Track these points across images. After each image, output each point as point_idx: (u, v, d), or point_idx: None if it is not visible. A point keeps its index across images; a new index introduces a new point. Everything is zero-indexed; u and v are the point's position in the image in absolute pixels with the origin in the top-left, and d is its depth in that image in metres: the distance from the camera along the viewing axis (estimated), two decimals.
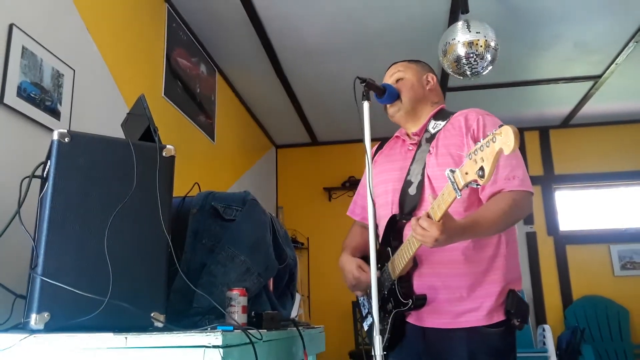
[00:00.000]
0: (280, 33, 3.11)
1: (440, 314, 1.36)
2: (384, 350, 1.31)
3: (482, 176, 1.00)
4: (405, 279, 1.38)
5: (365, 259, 1.53)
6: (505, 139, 0.95)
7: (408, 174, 1.46)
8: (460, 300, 1.34)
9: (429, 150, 1.44)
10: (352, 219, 1.73)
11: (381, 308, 1.43)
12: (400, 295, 1.35)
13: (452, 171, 1.09)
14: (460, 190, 1.07)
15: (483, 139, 1.01)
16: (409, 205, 1.42)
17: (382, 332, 1.41)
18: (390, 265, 1.40)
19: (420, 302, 1.34)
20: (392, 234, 1.42)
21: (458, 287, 1.35)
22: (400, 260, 1.35)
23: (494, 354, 1.33)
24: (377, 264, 1.32)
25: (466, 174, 1.05)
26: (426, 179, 1.40)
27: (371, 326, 1.51)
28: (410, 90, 1.53)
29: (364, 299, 1.59)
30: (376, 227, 1.55)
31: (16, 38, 1.61)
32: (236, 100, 4.01)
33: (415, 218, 1.19)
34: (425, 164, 1.42)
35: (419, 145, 1.49)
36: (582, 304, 4.44)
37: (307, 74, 3.64)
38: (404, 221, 1.41)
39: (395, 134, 1.63)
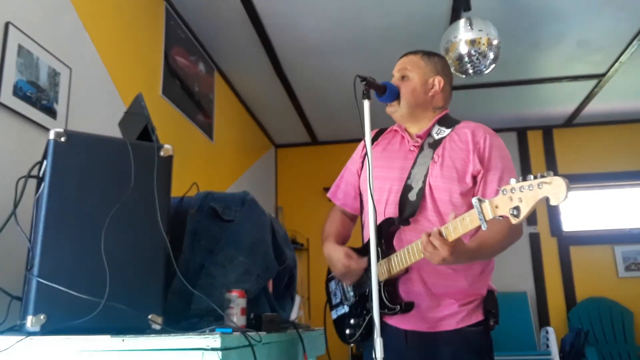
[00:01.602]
0: (279, 30, 3.10)
1: (422, 319, 1.38)
2: (355, 343, 1.43)
3: (515, 215, 1.05)
4: (392, 282, 1.38)
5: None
6: (556, 189, 0.98)
7: (409, 177, 1.44)
8: (443, 307, 1.37)
9: (433, 158, 1.42)
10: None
11: (359, 302, 1.46)
12: (385, 299, 1.35)
13: (480, 200, 1.12)
14: (487, 222, 1.10)
15: (525, 181, 1.04)
16: (408, 210, 1.41)
17: (355, 326, 1.42)
18: (381, 266, 1.39)
19: (408, 309, 1.35)
20: (385, 236, 1.41)
21: (443, 296, 1.38)
22: (395, 265, 1.35)
23: (475, 352, 1.36)
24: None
25: (496, 207, 1.09)
26: (427, 188, 1.40)
27: (341, 317, 1.51)
28: (410, 95, 1.48)
29: (336, 288, 1.58)
30: (356, 217, 1.59)
31: (12, 36, 1.60)
32: (235, 99, 4.00)
33: (426, 234, 1.21)
34: (427, 171, 1.41)
35: (421, 148, 1.47)
36: (585, 306, 4.41)
37: (307, 72, 3.63)
38: (402, 226, 1.41)
39: (394, 128, 1.58)
